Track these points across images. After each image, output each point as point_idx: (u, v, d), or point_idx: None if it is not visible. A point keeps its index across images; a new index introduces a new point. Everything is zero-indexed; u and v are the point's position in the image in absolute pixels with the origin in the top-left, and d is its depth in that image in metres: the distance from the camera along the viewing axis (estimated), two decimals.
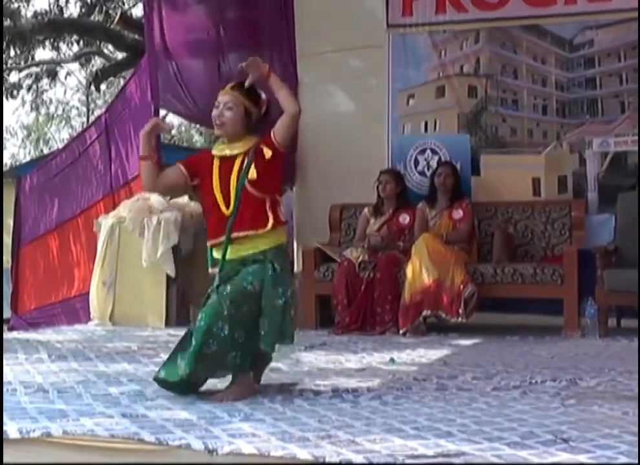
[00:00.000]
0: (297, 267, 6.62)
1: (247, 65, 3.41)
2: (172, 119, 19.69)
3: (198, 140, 22.22)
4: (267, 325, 3.30)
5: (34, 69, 15.43)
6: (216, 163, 3.43)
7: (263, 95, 3.47)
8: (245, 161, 3.36)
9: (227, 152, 3.43)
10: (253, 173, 3.34)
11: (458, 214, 6.04)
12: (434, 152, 6.73)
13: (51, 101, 23.31)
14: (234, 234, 3.34)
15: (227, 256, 3.35)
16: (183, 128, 22.33)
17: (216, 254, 3.42)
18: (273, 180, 3.44)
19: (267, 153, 3.36)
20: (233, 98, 3.42)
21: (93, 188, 7.24)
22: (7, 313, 8.17)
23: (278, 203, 3.43)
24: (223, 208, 3.38)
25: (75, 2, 13.44)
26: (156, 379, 3.40)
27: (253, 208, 3.36)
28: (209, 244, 3.45)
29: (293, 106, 3.38)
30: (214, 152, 3.48)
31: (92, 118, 19.79)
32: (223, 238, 3.36)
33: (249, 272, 3.33)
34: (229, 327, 3.26)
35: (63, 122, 26.13)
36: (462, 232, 6.00)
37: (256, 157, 3.36)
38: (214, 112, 3.43)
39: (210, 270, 3.47)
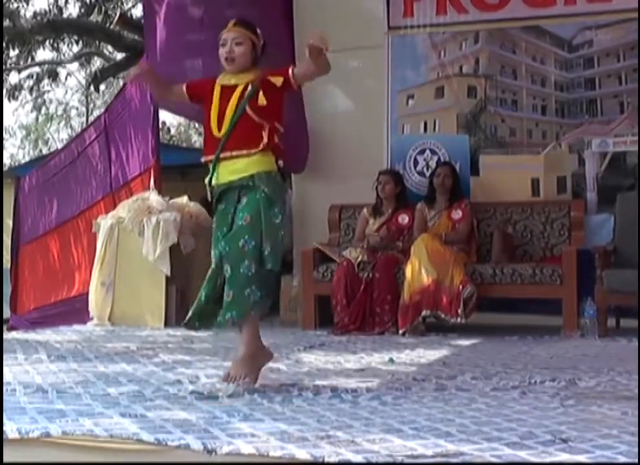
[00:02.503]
0: (296, 267, 6.63)
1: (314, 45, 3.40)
2: (172, 119, 19.74)
3: (197, 140, 22.23)
4: (270, 245, 3.38)
5: (35, 69, 15.43)
6: (217, 90, 3.55)
7: (258, 29, 3.62)
8: (249, 88, 3.46)
9: (233, 81, 3.53)
10: (262, 99, 3.44)
11: (457, 214, 6.04)
12: (433, 152, 6.73)
13: (51, 101, 23.34)
14: (225, 154, 3.45)
15: (218, 179, 3.47)
16: (182, 129, 22.35)
17: (207, 179, 3.53)
18: (275, 109, 3.53)
19: (277, 81, 3.47)
20: (239, 34, 3.57)
21: (93, 189, 7.24)
22: (6, 313, 8.16)
23: (277, 130, 3.51)
24: (215, 130, 3.49)
25: (75, 3, 13.45)
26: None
27: (248, 130, 3.46)
28: (202, 161, 3.57)
29: (326, 69, 3.54)
30: (219, 81, 3.58)
31: (91, 118, 19.80)
32: (211, 157, 3.49)
33: (241, 209, 3.43)
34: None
35: (63, 122, 26.14)
36: (461, 232, 6.00)
37: (264, 85, 3.46)
38: (223, 50, 3.55)
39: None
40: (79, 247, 7.32)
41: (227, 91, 3.53)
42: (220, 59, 3.58)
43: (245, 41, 3.55)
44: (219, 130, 3.49)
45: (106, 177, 7.06)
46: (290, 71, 3.51)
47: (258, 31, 3.61)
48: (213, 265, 3.51)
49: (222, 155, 3.47)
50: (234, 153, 3.46)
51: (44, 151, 24.06)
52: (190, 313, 3.55)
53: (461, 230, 6.01)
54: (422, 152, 6.77)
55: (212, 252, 3.55)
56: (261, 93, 3.45)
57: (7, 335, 5.97)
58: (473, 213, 6.11)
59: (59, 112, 25.43)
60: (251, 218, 3.40)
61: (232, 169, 3.48)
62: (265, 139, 3.45)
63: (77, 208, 7.38)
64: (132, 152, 6.72)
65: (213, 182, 3.52)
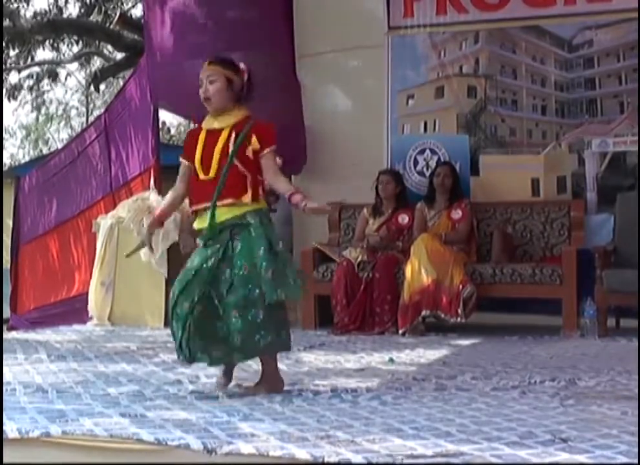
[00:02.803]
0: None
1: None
2: (172, 119, 19.73)
3: None
4: (278, 274, 3.36)
5: (34, 69, 15.44)
6: (202, 135, 3.52)
7: (242, 65, 3.56)
8: (234, 134, 3.44)
9: (216, 125, 3.51)
10: (255, 143, 3.44)
11: (457, 214, 6.04)
12: (433, 152, 6.73)
13: (51, 101, 23.34)
14: (218, 203, 3.42)
15: (214, 221, 3.43)
16: (182, 129, 22.33)
17: (197, 224, 3.51)
18: (257, 165, 3.49)
19: (255, 145, 3.45)
20: (212, 71, 3.51)
21: (93, 188, 7.24)
22: (6, 313, 8.16)
23: (260, 182, 3.50)
24: (201, 174, 3.46)
25: (75, 3, 13.45)
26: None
27: (235, 180, 3.44)
28: (191, 210, 3.55)
29: (281, 191, 3.52)
30: (203, 125, 3.57)
31: (91, 118, 19.80)
32: (204, 205, 3.45)
33: (237, 257, 3.39)
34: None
35: (63, 122, 26.14)
36: (461, 232, 6.00)
37: (246, 142, 3.44)
38: (200, 90, 3.51)
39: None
40: (79, 247, 7.31)
41: (211, 135, 3.50)
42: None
43: (219, 77, 3.48)
44: (206, 173, 3.45)
45: (106, 177, 7.06)
46: (266, 151, 3.46)
47: (242, 67, 3.55)
48: (184, 300, 3.44)
49: (217, 203, 3.44)
50: (224, 202, 3.44)
51: (45, 151, 24.07)
52: (184, 351, 3.44)
53: (461, 230, 6.01)
54: (422, 152, 6.77)
55: (180, 294, 3.46)
56: (249, 148, 3.44)
57: (7, 335, 5.97)
58: (473, 213, 6.11)
59: (59, 112, 25.44)
60: (250, 266, 3.37)
61: (226, 213, 3.45)
62: (250, 192, 3.44)
63: (77, 208, 7.38)
64: (132, 151, 6.71)
65: (208, 223, 3.45)
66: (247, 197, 3.44)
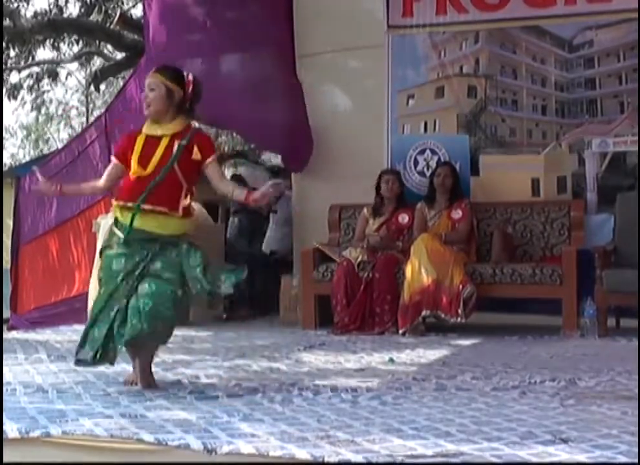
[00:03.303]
0: (296, 267, 6.63)
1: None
2: None
3: None
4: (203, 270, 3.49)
5: (35, 69, 15.43)
6: (140, 138, 3.59)
7: (190, 76, 3.63)
8: (176, 144, 3.52)
9: (159, 132, 3.58)
10: (197, 154, 3.53)
11: (457, 214, 6.04)
12: (433, 152, 6.73)
13: (51, 101, 23.32)
14: (149, 206, 3.49)
15: (135, 224, 3.50)
16: None
17: (120, 216, 3.56)
18: (196, 175, 3.61)
19: (197, 155, 3.55)
20: (154, 79, 3.60)
21: None
22: (6, 313, 8.16)
23: (192, 194, 3.60)
24: (139, 171, 3.52)
25: (75, 2, 13.45)
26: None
27: (171, 188, 3.52)
28: (115, 203, 3.60)
29: (226, 193, 3.64)
30: (144, 129, 3.63)
31: (91, 118, 19.80)
32: (133, 204, 3.51)
33: (163, 265, 3.49)
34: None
35: (63, 122, 26.13)
36: (461, 232, 6.00)
37: (188, 151, 3.53)
38: (143, 96, 3.61)
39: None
40: (79, 247, 7.31)
41: (151, 141, 3.57)
42: None
43: (158, 86, 3.57)
44: (144, 169, 3.52)
45: None
46: (208, 161, 3.57)
47: (189, 78, 3.61)
48: (102, 303, 3.53)
49: (144, 206, 3.50)
50: (156, 208, 3.51)
51: (45, 151, 24.06)
52: (91, 352, 3.52)
53: (461, 230, 6.01)
54: (422, 152, 6.76)
55: (104, 288, 3.56)
56: (196, 148, 3.53)
57: (7, 335, 5.97)
58: (473, 213, 6.11)
59: (59, 112, 25.43)
60: (173, 274, 3.49)
61: (158, 224, 3.52)
62: (181, 208, 3.53)
63: (77, 208, 7.37)
64: None
65: (135, 225, 3.51)
66: (179, 210, 3.53)
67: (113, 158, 3.71)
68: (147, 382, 3.58)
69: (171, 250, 3.52)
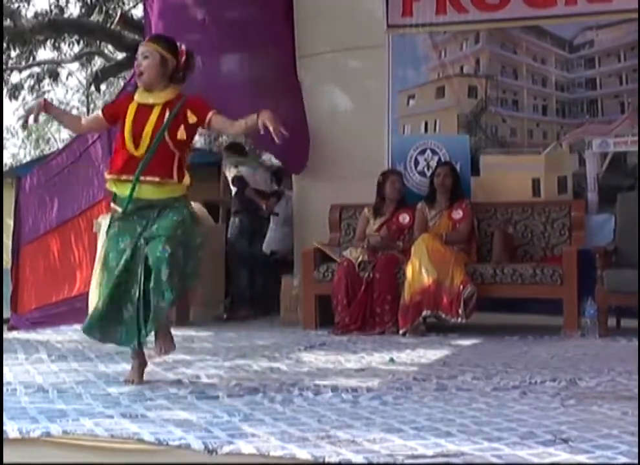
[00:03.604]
0: (297, 267, 6.63)
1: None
2: None
3: (197, 140, 22.19)
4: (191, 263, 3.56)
5: (35, 69, 15.43)
6: (132, 107, 3.61)
7: (182, 46, 3.66)
8: (167, 113, 3.55)
9: (151, 101, 3.60)
10: (182, 134, 3.55)
11: (458, 214, 6.04)
12: (433, 152, 6.72)
13: (52, 101, 23.32)
14: (143, 177, 3.54)
15: (135, 195, 3.55)
16: None
17: (117, 190, 3.62)
18: (189, 140, 3.64)
19: (192, 118, 3.57)
20: (148, 48, 3.63)
21: (94, 188, 7.24)
22: (7, 313, 8.17)
23: (185, 160, 3.64)
24: (131, 149, 3.55)
25: (76, 3, 13.45)
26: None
27: (163, 158, 3.56)
28: (108, 177, 3.63)
29: (235, 133, 3.77)
30: (136, 97, 3.65)
31: None
32: (127, 177, 3.56)
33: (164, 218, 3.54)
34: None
35: None
36: (462, 232, 6.00)
37: (180, 116, 3.55)
38: (135, 65, 3.63)
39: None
40: (80, 247, 7.31)
41: (143, 109, 3.59)
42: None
43: (152, 54, 3.60)
44: (136, 148, 3.55)
45: None
46: (209, 117, 3.59)
47: (182, 48, 3.65)
48: (114, 272, 3.57)
49: (142, 179, 3.55)
50: (148, 178, 3.55)
51: (46, 151, 24.06)
52: (89, 320, 3.69)
53: (462, 230, 6.01)
54: (423, 152, 6.76)
55: (110, 256, 3.59)
56: (182, 127, 3.55)
57: (8, 335, 5.97)
58: (474, 213, 6.11)
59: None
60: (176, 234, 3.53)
61: (154, 191, 3.58)
62: (175, 175, 3.57)
63: (78, 208, 7.38)
64: None
65: (134, 196, 3.56)
66: (173, 177, 3.56)
67: (99, 112, 3.75)
68: (169, 347, 3.67)
69: (169, 211, 3.56)
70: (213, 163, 8.76)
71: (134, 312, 3.55)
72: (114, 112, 3.68)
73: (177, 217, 3.54)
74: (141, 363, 3.72)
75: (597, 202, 6.30)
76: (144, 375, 3.72)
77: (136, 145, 3.55)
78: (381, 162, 6.70)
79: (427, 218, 6.13)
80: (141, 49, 3.63)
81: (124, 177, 3.57)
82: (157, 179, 3.55)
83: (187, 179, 3.64)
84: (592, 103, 6.42)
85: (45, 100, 3.78)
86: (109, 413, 2.99)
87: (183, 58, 3.64)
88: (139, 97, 3.64)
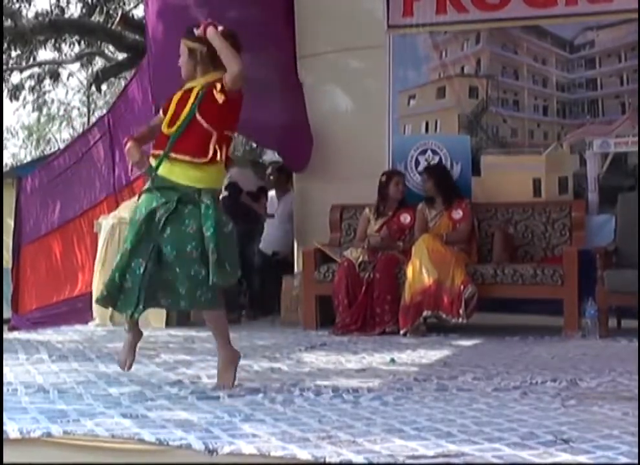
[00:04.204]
0: (297, 268, 6.63)
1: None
2: None
3: None
4: (224, 254, 3.49)
5: (36, 70, 15.45)
6: (177, 95, 3.69)
7: (197, 31, 3.66)
8: (199, 94, 3.60)
9: (189, 85, 3.68)
10: (219, 94, 3.55)
11: (458, 214, 6.05)
12: (434, 152, 6.72)
13: (52, 101, 23.33)
14: (173, 154, 3.56)
15: (161, 172, 3.58)
16: None
17: (154, 162, 3.63)
18: (224, 119, 3.63)
19: (220, 98, 3.57)
20: (181, 46, 3.73)
21: (96, 189, 7.25)
22: (7, 313, 8.17)
23: (226, 140, 3.63)
24: (165, 127, 3.62)
25: (76, 3, 13.45)
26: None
27: (197, 137, 3.58)
28: (150, 154, 3.69)
29: (234, 68, 3.54)
30: (184, 87, 3.72)
31: (92, 119, 19.80)
32: (158, 152, 3.60)
33: (186, 216, 3.52)
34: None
35: (64, 122, 26.15)
36: (462, 232, 6.00)
37: (209, 96, 3.57)
38: None
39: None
40: (82, 247, 7.32)
41: (185, 95, 3.66)
42: None
43: (182, 51, 3.71)
44: (169, 127, 3.61)
45: (109, 177, 7.07)
46: (223, 81, 3.59)
47: (196, 32, 3.66)
48: (128, 245, 3.60)
49: (170, 155, 3.57)
50: (179, 156, 3.56)
51: (46, 151, 24.07)
52: (104, 292, 3.64)
53: (462, 230, 6.01)
54: (423, 152, 6.76)
55: (133, 248, 3.59)
56: (214, 106, 3.55)
57: (8, 335, 5.98)
58: (474, 213, 6.11)
59: (61, 112, 25.44)
60: (197, 228, 3.50)
61: (181, 174, 3.57)
62: (211, 151, 3.55)
63: (80, 209, 7.39)
64: None
65: (159, 172, 3.59)
66: (208, 157, 3.55)
67: (160, 115, 3.80)
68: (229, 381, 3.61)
69: (187, 215, 3.53)
70: None
71: (134, 285, 3.54)
72: (166, 106, 3.74)
73: (190, 227, 3.52)
74: (134, 335, 3.73)
75: (597, 202, 6.30)
76: (144, 376, 3.71)
77: (171, 124, 3.61)
78: (381, 162, 6.70)
79: (428, 219, 6.13)
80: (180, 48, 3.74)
81: (157, 152, 3.63)
82: (187, 157, 3.56)
83: (218, 169, 3.62)
84: (593, 104, 6.41)
85: (130, 142, 3.72)
86: (110, 413, 2.99)
87: (204, 43, 3.61)
88: (186, 85, 3.73)
